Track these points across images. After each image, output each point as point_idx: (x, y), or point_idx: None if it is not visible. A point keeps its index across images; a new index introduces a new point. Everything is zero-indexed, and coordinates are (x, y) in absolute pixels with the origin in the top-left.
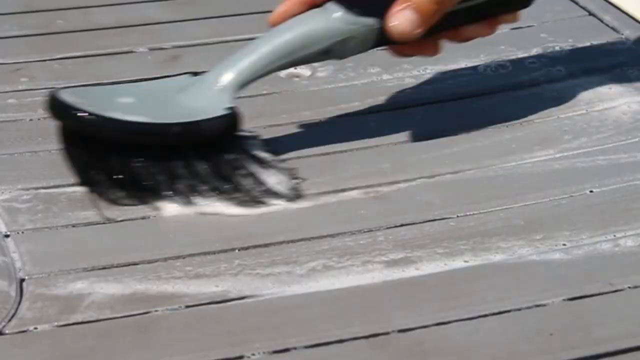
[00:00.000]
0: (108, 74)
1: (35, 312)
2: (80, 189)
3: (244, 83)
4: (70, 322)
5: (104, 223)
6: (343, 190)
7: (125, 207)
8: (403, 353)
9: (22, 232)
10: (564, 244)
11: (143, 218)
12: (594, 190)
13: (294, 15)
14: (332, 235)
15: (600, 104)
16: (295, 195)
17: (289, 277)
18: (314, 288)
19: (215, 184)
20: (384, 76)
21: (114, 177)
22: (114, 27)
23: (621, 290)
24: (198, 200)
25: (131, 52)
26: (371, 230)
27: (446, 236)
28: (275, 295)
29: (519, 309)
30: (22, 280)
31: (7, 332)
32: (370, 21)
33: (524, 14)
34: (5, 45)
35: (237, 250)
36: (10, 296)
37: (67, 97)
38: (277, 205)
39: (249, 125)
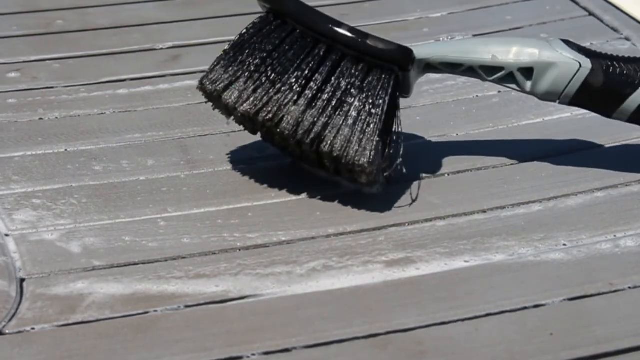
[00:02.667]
0: (108, 74)
1: (35, 312)
2: (81, 189)
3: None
4: (70, 322)
5: (104, 223)
6: (343, 189)
7: (130, 208)
8: (403, 353)
9: (23, 232)
10: (564, 244)
11: (144, 218)
12: (594, 190)
13: None
14: (332, 235)
15: None
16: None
17: (289, 277)
18: (314, 288)
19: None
20: None
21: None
22: (114, 27)
23: (621, 290)
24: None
25: (131, 52)
26: (371, 230)
27: (446, 236)
28: (276, 295)
29: (519, 309)
30: (23, 280)
31: (7, 332)
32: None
33: (524, 13)
34: (5, 45)
35: (237, 250)
36: (11, 296)
37: None
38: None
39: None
